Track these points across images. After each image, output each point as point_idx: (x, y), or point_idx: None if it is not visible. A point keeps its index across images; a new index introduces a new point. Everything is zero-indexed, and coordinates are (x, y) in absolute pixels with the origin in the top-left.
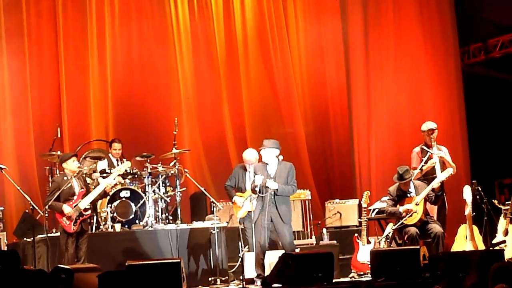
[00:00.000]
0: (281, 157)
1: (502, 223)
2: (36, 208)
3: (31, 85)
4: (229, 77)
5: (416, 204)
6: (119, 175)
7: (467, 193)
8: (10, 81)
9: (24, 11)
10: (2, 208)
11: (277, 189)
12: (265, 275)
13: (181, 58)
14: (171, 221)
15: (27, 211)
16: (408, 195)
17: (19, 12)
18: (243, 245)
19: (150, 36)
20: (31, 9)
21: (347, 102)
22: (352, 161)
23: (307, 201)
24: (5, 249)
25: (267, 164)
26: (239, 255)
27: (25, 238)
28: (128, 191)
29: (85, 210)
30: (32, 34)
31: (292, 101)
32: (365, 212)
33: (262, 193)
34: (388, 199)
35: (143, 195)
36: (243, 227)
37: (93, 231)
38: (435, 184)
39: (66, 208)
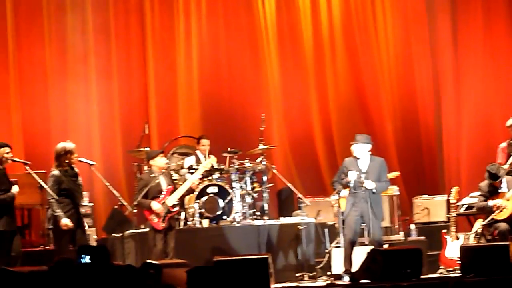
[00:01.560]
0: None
1: None
2: (125, 204)
3: (119, 82)
4: (316, 73)
5: (507, 200)
6: (205, 171)
7: None
8: (97, 78)
9: (112, 9)
10: (91, 204)
11: (375, 188)
12: (352, 271)
13: (268, 54)
14: (258, 217)
15: (116, 207)
16: (499, 190)
17: (107, 10)
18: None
19: (237, 33)
20: (118, 7)
21: (435, 98)
22: (440, 156)
23: (395, 197)
24: (95, 245)
25: (358, 159)
26: (326, 251)
27: (114, 234)
28: (216, 187)
29: (173, 206)
30: (120, 31)
31: (379, 97)
32: (454, 207)
33: (356, 190)
34: (479, 195)
35: (230, 191)
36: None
37: (181, 227)
38: None
39: (155, 205)
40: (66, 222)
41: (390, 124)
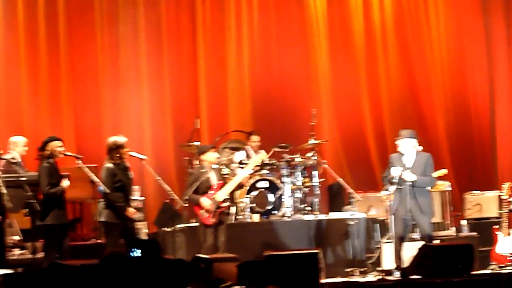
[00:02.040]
0: (420, 148)
1: None
2: (176, 198)
3: (170, 77)
4: (368, 68)
5: None
6: (256, 165)
7: None
8: (148, 74)
9: (163, 5)
10: (143, 199)
11: (415, 181)
12: (403, 266)
13: (319, 49)
14: (308, 212)
15: (167, 201)
16: None
17: (158, 5)
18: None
19: (288, 28)
20: (170, 3)
21: (488, 94)
22: (493, 152)
23: (446, 193)
24: (146, 239)
25: (403, 154)
26: (377, 246)
27: (164, 228)
28: (266, 182)
29: (223, 201)
30: (171, 27)
31: (431, 92)
32: (506, 203)
33: (400, 185)
34: None
35: (281, 185)
36: None
37: (232, 221)
38: None
39: (205, 201)
40: (131, 210)
41: (442, 119)
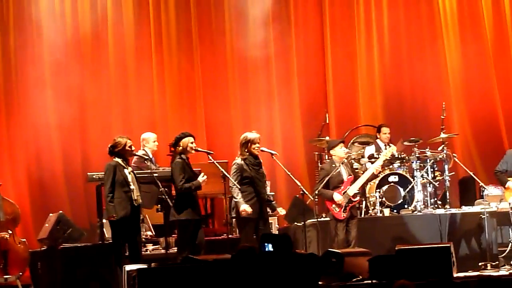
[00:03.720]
0: None
1: None
2: (307, 193)
3: (298, 71)
4: (499, 59)
5: None
6: (386, 159)
7: None
8: (276, 68)
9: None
10: (273, 193)
11: None
12: None
13: (448, 42)
14: (440, 206)
15: (297, 196)
16: None
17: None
18: None
19: (417, 21)
20: None
21: None
22: None
23: None
24: (277, 233)
25: None
26: (510, 240)
27: (295, 223)
28: (397, 176)
29: (354, 196)
30: (299, 20)
31: None
32: None
33: None
34: None
35: (411, 179)
36: None
37: (362, 216)
38: None
39: (336, 196)
40: (244, 207)
41: None
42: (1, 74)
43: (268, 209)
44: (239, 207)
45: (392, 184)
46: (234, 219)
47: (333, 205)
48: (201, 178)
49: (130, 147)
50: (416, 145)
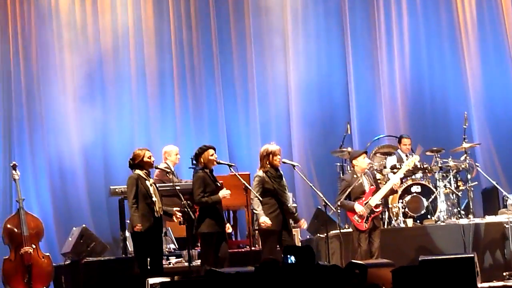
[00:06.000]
0: None
1: None
2: (329, 204)
3: (318, 81)
4: None
5: None
6: (408, 170)
7: None
8: (295, 80)
9: (311, 10)
10: (295, 205)
11: None
12: None
13: (468, 51)
14: (463, 216)
15: (320, 207)
16: None
17: (307, 11)
18: None
19: (437, 30)
20: (318, 8)
21: None
22: None
23: None
24: (300, 245)
25: None
26: None
27: (318, 234)
28: (419, 186)
29: (376, 206)
30: (320, 32)
31: None
32: None
33: None
34: None
35: (434, 190)
36: None
37: (385, 226)
38: None
39: (358, 207)
40: (264, 219)
41: None
42: (24, 87)
43: (291, 221)
44: (259, 219)
45: (415, 194)
46: (257, 231)
47: (355, 216)
48: (223, 192)
49: (149, 157)
50: (439, 155)
